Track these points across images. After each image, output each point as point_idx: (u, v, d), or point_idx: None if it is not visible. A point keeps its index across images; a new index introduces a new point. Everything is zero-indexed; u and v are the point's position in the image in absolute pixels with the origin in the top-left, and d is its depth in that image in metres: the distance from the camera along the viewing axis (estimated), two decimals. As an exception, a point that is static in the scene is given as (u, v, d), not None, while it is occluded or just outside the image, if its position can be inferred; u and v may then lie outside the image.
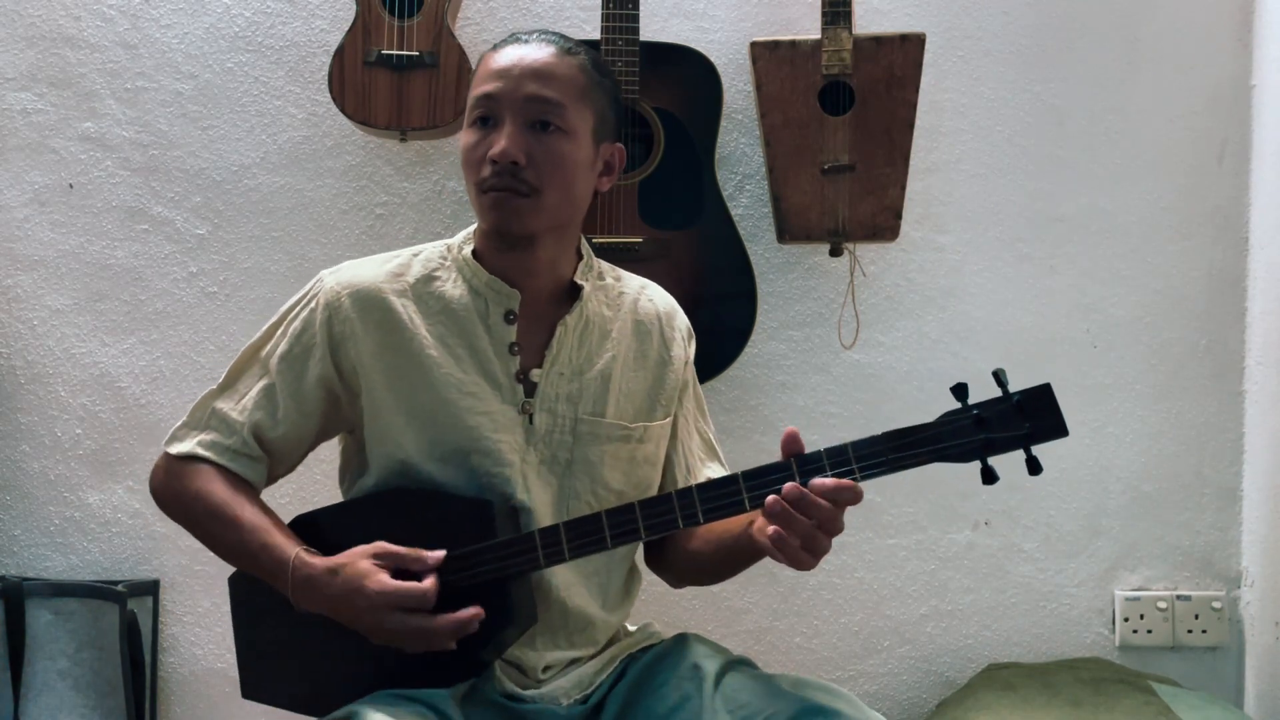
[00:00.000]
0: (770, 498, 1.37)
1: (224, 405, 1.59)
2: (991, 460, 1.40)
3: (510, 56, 1.55)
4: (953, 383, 1.40)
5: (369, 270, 1.59)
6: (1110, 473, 2.37)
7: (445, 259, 1.60)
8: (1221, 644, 2.36)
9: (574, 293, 1.60)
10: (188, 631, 2.32)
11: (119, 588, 2.16)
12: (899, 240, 2.24)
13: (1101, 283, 2.36)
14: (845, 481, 1.37)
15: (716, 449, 1.74)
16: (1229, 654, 2.37)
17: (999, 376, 1.40)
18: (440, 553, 1.45)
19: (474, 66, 1.62)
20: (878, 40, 2.19)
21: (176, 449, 1.59)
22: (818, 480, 1.37)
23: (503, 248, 1.57)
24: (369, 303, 1.56)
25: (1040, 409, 1.39)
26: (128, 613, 2.16)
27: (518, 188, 1.51)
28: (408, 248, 1.64)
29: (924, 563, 2.37)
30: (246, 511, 1.54)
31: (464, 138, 1.56)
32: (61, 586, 2.17)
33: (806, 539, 1.37)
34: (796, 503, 1.36)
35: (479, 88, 1.55)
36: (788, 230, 2.21)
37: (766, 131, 2.20)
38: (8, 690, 2.13)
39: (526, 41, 1.57)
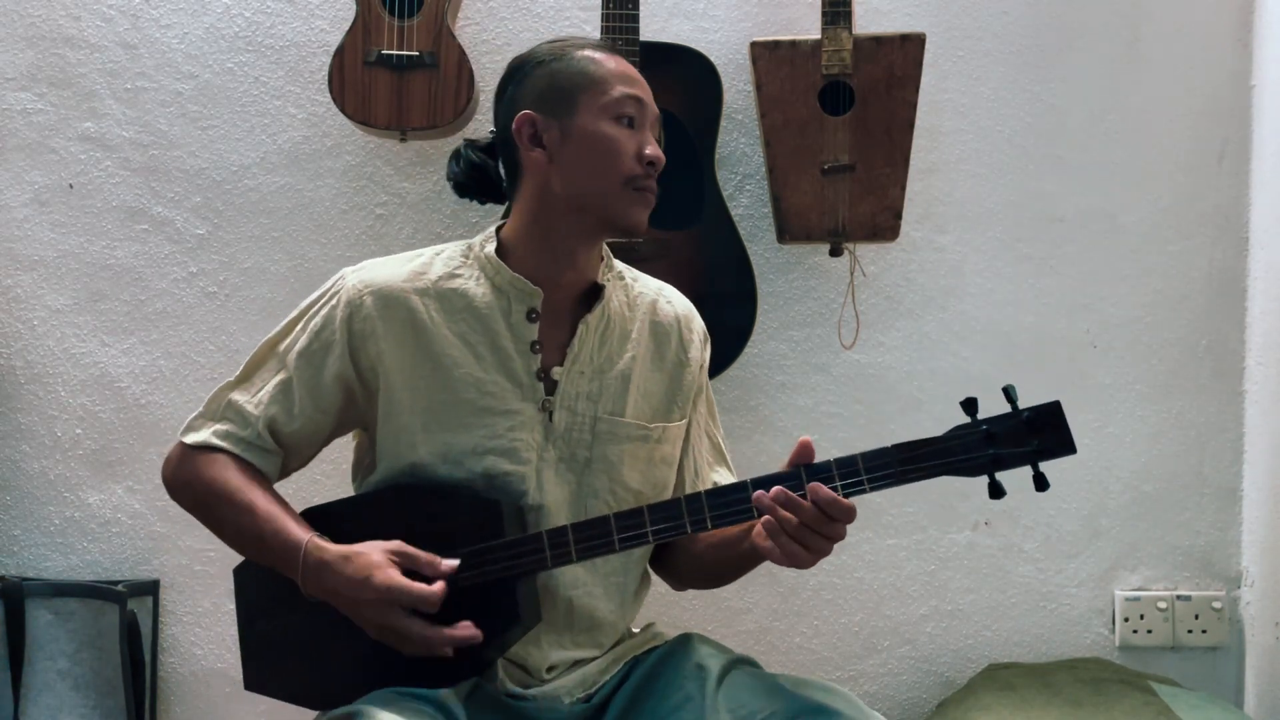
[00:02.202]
0: (759, 493, 1.39)
1: (240, 397, 1.59)
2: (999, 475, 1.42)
3: (629, 68, 1.59)
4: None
5: (391, 269, 1.59)
6: (1110, 473, 2.37)
7: (467, 257, 1.61)
8: (1221, 644, 2.36)
9: (595, 292, 1.61)
10: (188, 631, 2.32)
11: (119, 588, 2.16)
12: (899, 240, 2.24)
13: (1101, 283, 2.36)
14: (844, 501, 1.39)
15: (725, 454, 1.75)
16: (1229, 654, 2.37)
17: (1009, 393, 1.42)
18: (455, 561, 1.45)
19: (576, 63, 1.57)
20: (878, 40, 2.19)
21: (192, 438, 1.59)
22: (815, 485, 1.39)
23: (591, 241, 1.59)
24: (391, 302, 1.56)
25: (1049, 425, 1.41)
26: (128, 613, 2.16)
27: (656, 191, 1.59)
28: (429, 247, 1.64)
29: (924, 563, 2.37)
30: (260, 498, 1.54)
31: (609, 130, 1.55)
32: (61, 586, 2.17)
33: (805, 542, 1.39)
34: (788, 505, 1.38)
35: (623, 88, 1.56)
36: (788, 230, 2.21)
37: (766, 131, 2.20)
38: (8, 690, 2.13)
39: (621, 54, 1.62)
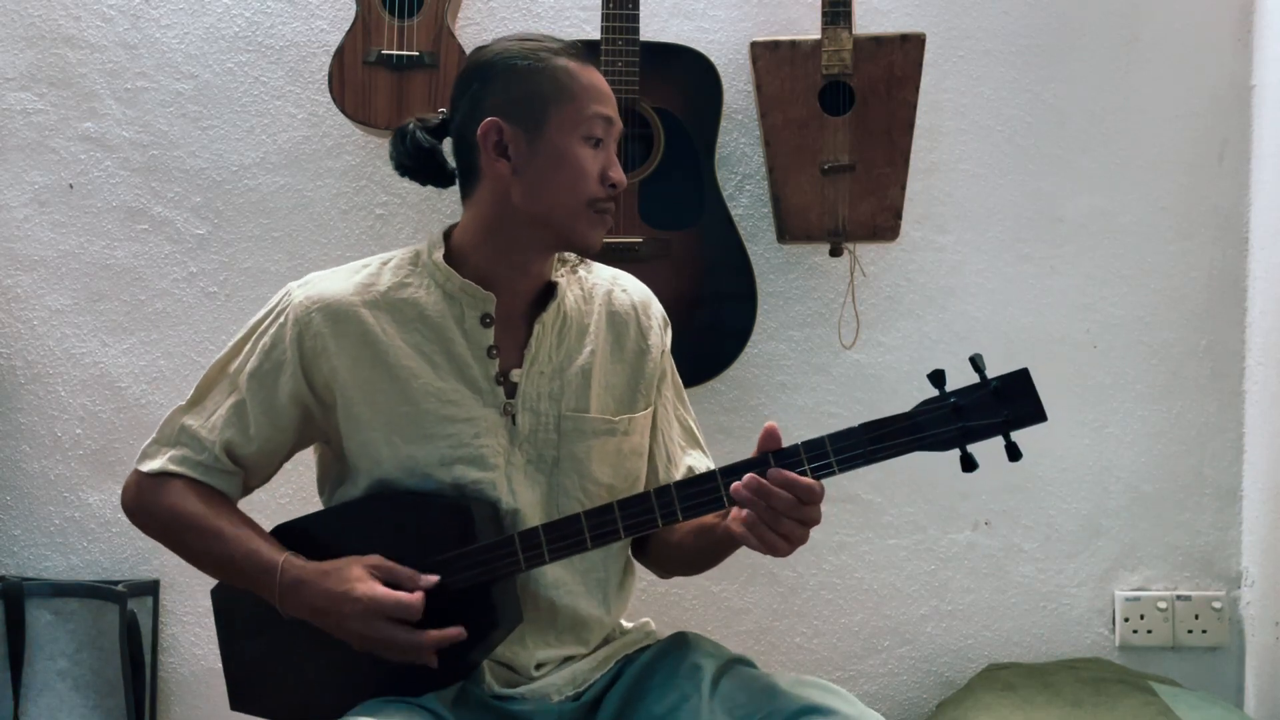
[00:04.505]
0: (735, 484, 1.38)
1: (193, 422, 1.57)
2: (974, 448, 1.39)
3: (601, 82, 1.56)
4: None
5: (338, 283, 1.56)
6: (1110, 473, 2.37)
7: (416, 265, 1.58)
8: (1221, 644, 2.35)
9: (549, 291, 1.60)
10: (188, 631, 2.32)
11: (119, 588, 2.16)
12: (899, 240, 2.24)
13: (1101, 283, 2.36)
14: (803, 480, 1.37)
15: (698, 436, 1.73)
16: (1229, 654, 2.37)
17: (976, 362, 1.39)
18: (434, 577, 1.45)
19: (550, 74, 1.52)
20: (878, 40, 2.19)
21: (148, 466, 1.57)
22: (775, 470, 1.37)
23: (545, 254, 1.58)
24: (340, 317, 1.53)
25: (1018, 394, 1.37)
26: (128, 613, 2.16)
27: (614, 212, 1.57)
28: (375, 256, 1.62)
29: (924, 563, 2.37)
30: (226, 522, 1.53)
31: (577, 149, 1.52)
32: (61, 586, 2.17)
33: (778, 527, 1.38)
34: (758, 491, 1.37)
35: (596, 106, 1.53)
36: (788, 230, 2.21)
37: (766, 131, 2.20)
38: (8, 690, 2.13)
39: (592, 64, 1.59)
